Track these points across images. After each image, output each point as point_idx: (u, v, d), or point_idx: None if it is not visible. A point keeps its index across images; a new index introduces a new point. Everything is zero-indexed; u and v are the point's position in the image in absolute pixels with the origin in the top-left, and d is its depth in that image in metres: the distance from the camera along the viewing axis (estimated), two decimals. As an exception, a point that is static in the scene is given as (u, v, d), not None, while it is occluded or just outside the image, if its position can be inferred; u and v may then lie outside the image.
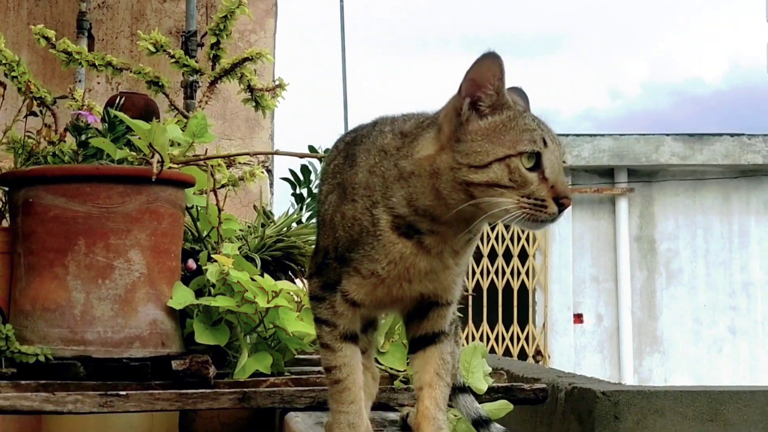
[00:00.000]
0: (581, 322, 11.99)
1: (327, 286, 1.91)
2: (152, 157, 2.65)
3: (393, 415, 2.36)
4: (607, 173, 12.17)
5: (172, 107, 3.59)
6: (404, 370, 2.64)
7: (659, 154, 11.96)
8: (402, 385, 2.57)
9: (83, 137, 2.93)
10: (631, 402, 4.15)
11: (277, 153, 2.91)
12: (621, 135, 12.01)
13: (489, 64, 1.74)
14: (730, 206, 12.19)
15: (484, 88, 1.76)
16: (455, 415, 2.21)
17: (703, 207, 12.19)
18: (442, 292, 1.88)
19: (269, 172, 5.26)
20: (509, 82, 1.80)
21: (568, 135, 11.96)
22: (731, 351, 11.93)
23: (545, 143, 1.73)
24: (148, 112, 3.38)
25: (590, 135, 12.05)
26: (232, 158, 3.52)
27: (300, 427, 2.25)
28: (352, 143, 1.94)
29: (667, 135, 12.00)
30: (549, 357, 11.66)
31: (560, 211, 1.72)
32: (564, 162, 1.76)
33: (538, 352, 11.74)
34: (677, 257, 12.13)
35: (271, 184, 5.29)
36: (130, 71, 3.48)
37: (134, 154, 2.85)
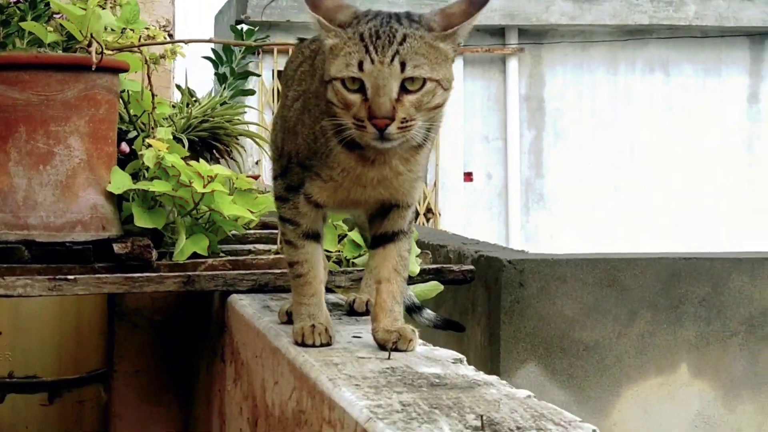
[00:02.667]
0: (471, 180, 12.24)
1: (291, 188, 2.03)
2: (89, 45, 2.69)
3: (333, 297, 2.50)
4: (498, 33, 12.28)
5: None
6: (337, 251, 2.78)
7: (549, 14, 12.10)
8: (337, 267, 2.72)
9: (3, 16, 2.94)
10: (535, 270, 4.40)
11: (211, 41, 2.96)
12: (512, -6, 12.12)
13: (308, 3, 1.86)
14: (616, 66, 12.45)
15: (315, 17, 1.86)
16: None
17: (590, 67, 12.42)
18: (400, 197, 2.00)
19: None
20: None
21: (461, -6, 11.98)
22: (615, 209, 12.34)
23: (361, 67, 1.79)
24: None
25: (482, -6, 12.08)
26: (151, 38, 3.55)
27: (248, 311, 2.36)
28: (318, 51, 2.02)
29: (558, -5, 12.15)
30: (440, 215, 11.94)
31: (381, 131, 1.79)
32: (411, 77, 1.80)
33: (429, 210, 12.00)
34: (564, 116, 12.40)
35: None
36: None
37: (60, 37, 2.87)
